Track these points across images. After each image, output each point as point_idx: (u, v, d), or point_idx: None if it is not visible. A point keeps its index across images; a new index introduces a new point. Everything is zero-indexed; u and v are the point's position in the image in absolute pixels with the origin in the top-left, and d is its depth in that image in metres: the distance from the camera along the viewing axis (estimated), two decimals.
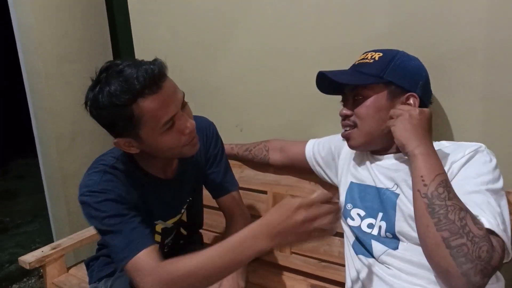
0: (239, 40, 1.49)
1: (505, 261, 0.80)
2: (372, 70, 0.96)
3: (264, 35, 1.43)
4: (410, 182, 0.89)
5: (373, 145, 0.99)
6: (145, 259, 0.86)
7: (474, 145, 0.88)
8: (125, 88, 0.80)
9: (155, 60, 0.86)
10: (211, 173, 1.18)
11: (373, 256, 0.94)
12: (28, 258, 1.39)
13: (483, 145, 0.89)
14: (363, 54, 1.03)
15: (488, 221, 0.75)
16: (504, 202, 0.82)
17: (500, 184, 0.84)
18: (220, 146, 1.20)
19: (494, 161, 0.87)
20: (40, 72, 1.72)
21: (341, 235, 1.27)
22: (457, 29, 1.08)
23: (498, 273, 0.89)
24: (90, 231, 1.50)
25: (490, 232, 0.74)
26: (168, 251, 1.22)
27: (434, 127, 0.95)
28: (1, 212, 3.41)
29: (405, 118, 0.85)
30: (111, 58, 1.97)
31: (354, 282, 0.98)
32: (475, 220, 0.74)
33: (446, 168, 0.84)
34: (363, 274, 0.95)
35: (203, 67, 1.63)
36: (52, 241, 1.61)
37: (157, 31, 1.72)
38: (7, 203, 3.62)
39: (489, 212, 0.77)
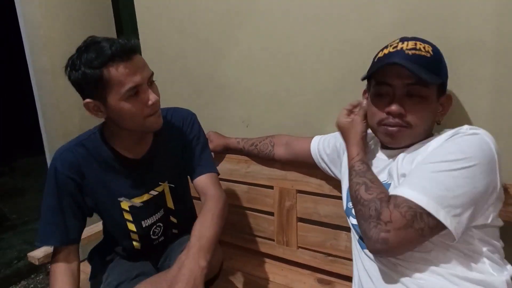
0: (246, 37, 1.49)
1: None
2: (432, 66, 0.88)
3: (271, 32, 1.42)
4: (398, 173, 0.91)
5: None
6: (58, 255, 1.09)
7: (456, 129, 0.86)
8: (98, 53, 0.93)
9: (130, 38, 0.99)
10: (187, 158, 1.23)
11: None
12: (37, 254, 1.41)
13: (466, 126, 0.85)
14: (410, 41, 0.90)
15: (398, 190, 0.81)
16: (461, 173, 0.76)
17: (466, 158, 0.77)
18: (196, 134, 1.24)
19: (474, 139, 0.81)
20: (47, 70, 1.74)
21: (347, 229, 1.27)
22: (467, 21, 1.07)
23: (506, 263, 0.88)
24: (98, 226, 1.52)
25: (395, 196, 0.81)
26: (162, 239, 1.26)
27: (443, 119, 0.97)
28: (9, 210, 3.45)
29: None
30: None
31: (361, 276, 0.98)
32: (368, 189, 0.86)
33: (423, 150, 0.88)
34: (370, 268, 0.95)
35: (210, 63, 1.63)
36: None
37: (164, 28, 1.73)
38: (15, 201, 3.66)
39: (411, 183, 0.80)
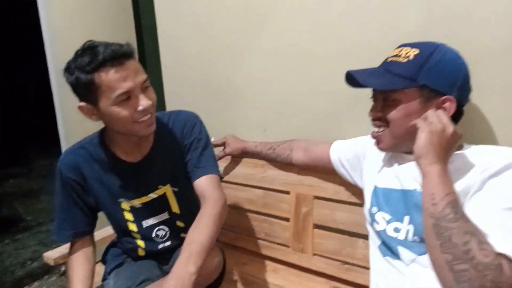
0: (264, 40, 1.50)
1: None
2: (405, 71, 0.89)
3: (290, 34, 1.42)
4: None
5: (403, 147, 0.96)
6: (73, 247, 1.19)
7: (508, 160, 0.79)
8: (91, 59, 0.95)
9: (126, 43, 1.00)
10: (187, 160, 1.21)
11: (400, 259, 0.91)
12: (53, 254, 1.41)
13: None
14: (398, 48, 0.95)
15: (500, 244, 0.70)
16: None
17: None
18: (197, 136, 1.21)
19: None
20: None
21: (364, 237, 1.25)
22: (494, 25, 1.04)
23: None
24: (111, 229, 1.52)
25: (504, 256, 0.69)
26: (168, 245, 1.26)
27: (466, 128, 0.94)
28: (24, 211, 3.50)
29: (436, 131, 0.80)
30: (136, 58, 2.01)
31: (378, 284, 0.96)
32: (482, 245, 0.69)
33: (469, 176, 0.81)
34: (390, 276, 0.92)
35: (228, 67, 1.63)
36: None
37: (183, 32, 1.75)
38: (31, 202, 3.70)
39: (505, 234, 0.71)
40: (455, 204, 0.75)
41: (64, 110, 1.92)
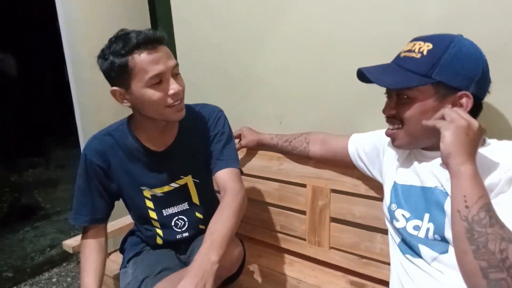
0: (282, 30, 1.47)
1: None
2: (418, 68, 0.86)
3: (308, 25, 1.39)
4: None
5: (420, 144, 0.94)
6: (87, 233, 1.20)
7: None
8: (125, 43, 0.98)
9: (158, 30, 1.03)
10: (210, 152, 1.24)
11: (421, 257, 0.89)
12: (71, 243, 1.44)
13: None
14: (411, 42, 0.92)
15: None
16: None
17: None
18: (220, 129, 1.24)
19: None
20: (85, 62, 1.77)
21: (383, 231, 1.23)
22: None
23: None
24: (129, 218, 1.53)
25: None
26: (186, 235, 1.27)
27: (488, 124, 0.88)
28: (43, 199, 3.58)
29: (462, 126, 0.76)
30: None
31: (403, 281, 0.93)
32: None
33: (492, 174, 0.78)
34: (413, 274, 0.90)
35: (245, 59, 1.61)
36: None
37: (199, 23, 1.73)
38: (49, 191, 3.79)
39: None
40: (489, 207, 0.72)
41: (81, 101, 1.93)
